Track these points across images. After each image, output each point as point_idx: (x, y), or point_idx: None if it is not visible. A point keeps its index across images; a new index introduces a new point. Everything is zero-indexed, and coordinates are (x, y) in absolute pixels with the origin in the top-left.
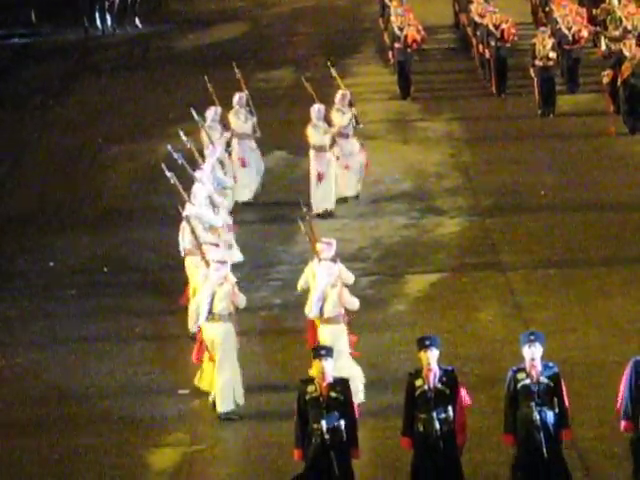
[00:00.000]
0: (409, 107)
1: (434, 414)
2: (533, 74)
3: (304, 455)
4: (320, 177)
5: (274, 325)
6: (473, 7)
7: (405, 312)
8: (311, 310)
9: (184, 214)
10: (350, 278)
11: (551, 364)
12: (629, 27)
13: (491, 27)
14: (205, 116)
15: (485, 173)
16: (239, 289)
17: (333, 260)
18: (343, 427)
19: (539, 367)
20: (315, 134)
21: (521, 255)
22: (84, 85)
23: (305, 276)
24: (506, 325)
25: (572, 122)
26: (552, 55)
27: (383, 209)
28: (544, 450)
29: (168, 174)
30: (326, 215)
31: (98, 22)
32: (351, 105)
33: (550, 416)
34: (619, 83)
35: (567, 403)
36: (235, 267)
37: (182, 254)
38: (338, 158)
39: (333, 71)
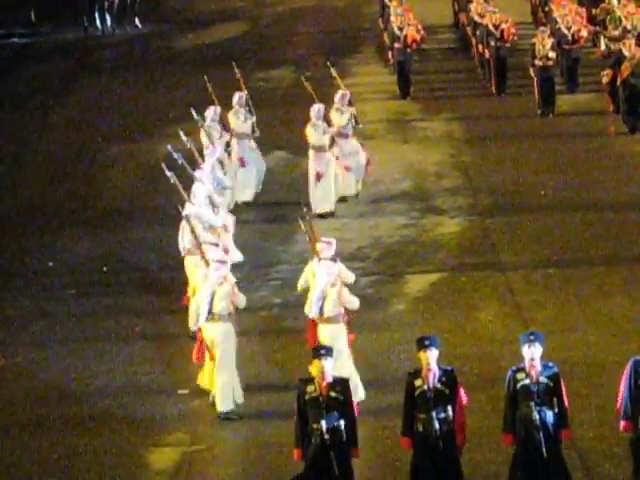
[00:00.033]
0: (409, 107)
1: (433, 414)
2: (533, 74)
3: (304, 455)
4: (319, 177)
5: (274, 325)
6: (473, 7)
7: (405, 312)
8: (311, 309)
9: (184, 213)
10: (350, 277)
11: (551, 364)
12: (628, 27)
13: (491, 27)
14: (205, 116)
15: (485, 173)
16: (239, 289)
17: (333, 259)
18: (343, 427)
19: (539, 367)
20: (314, 134)
21: (521, 255)
22: (84, 85)
23: (305, 275)
24: (506, 325)
25: (572, 122)
26: (552, 55)
27: (383, 209)
28: (544, 450)
29: (168, 174)
30: (326, 215)
31: (98, 22)
32: (351, 105)
33: (550, 416)
34: (619, 83)
35: (567, 403)
36: (235, 267)
37: (182, 254)
38: (337, 158)
39: (333, 71)
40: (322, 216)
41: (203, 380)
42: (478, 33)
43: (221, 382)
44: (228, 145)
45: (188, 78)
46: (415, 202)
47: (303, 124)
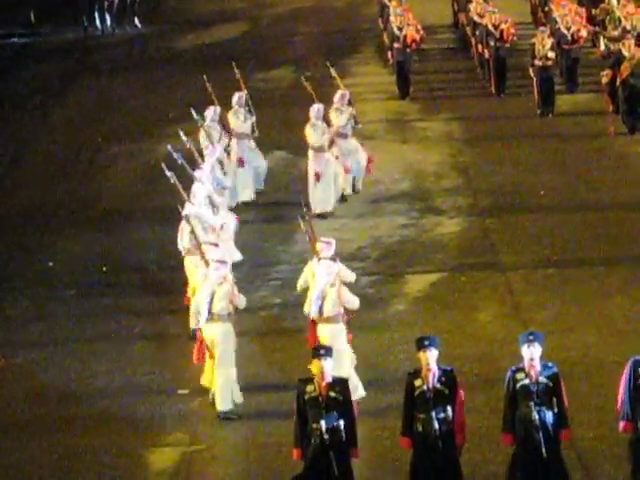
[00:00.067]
0: (408, 107)
1: (433, 414)
2: (532, 74)
3: (303, 455)
4: (317, 177)
5: (273, 325)
6: (472, 7)
7: (404, 312)
8: (310, 309)
9: (183, 213)
10: (351, 276)
11: (550, 364)
12: (628, 27)
13: (490, 27)
14: (204, 116)
15: (484, 173)
16: (238, 289)
17: (332, 259)
18: (342, 427)
19: (538, 367)
20: (313, 134)
21: (520, 255)
22: (83, 85)
23: (304, 275)
24: (505, 325)
25: (571, 122)
26: (551, 55)
27: (382, 209)
28: (543, 450)
29: (168, 173)
30: (325, 215)
31: (97, 22)
32: (350, 105)
33: (549, 416)
34: (618, 83)
35: (566, 403)
36: (235, 267)
37: (182, 254)
38: (337, 158)
39: (332, 71)
40: (321, 216)
41: (206, 379)
42: (478, 33)
43: (220, 382)
44: (228, 145)
45: (188, 78)
46: (415, 202)
47: (303, 124)
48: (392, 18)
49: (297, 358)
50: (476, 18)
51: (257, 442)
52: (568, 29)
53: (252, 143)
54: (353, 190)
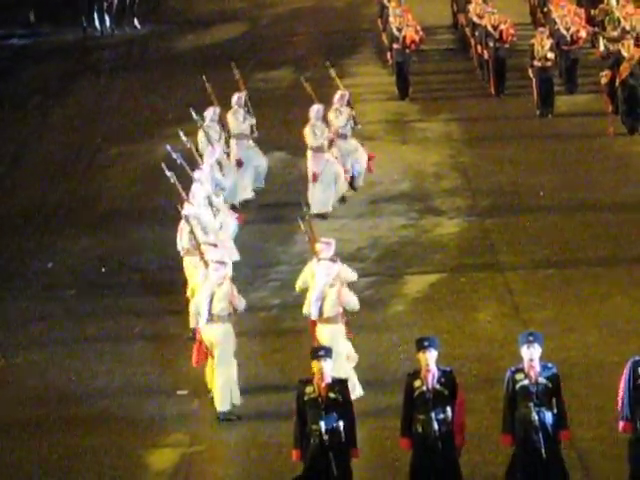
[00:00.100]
0: (407, 108)
1: (433, 415)
2: (531, 74)
3: (303, 456)
4: (315, 177)
5: (273, 325)
6: (472, 8)
7: (404, 312)
8: (309, 310)
9: (183, 213)
10: (352, 276)
11: (550, 365)
12: (627, 27)
13: (489, 28)
14: (204, 116)
15: (484, 173)
16: (238, 289)
17: (332, 260)
18: (342, 428)
19: (538, 368)
20: (312, 135)
21: (520, 255)
22: (83, 85)
23: (303, 276)
24: (504, 325)
25: (570, 123)
26: (550, 56)
27: (382, 209)
28: (543, 451)
29: (168, 173)
30: (325, 216)
31: (97, 23)
32: (350, 106)
33: (549, 417)
34: (617, 83)
35: (565, 403)
36: (234, 267)
37: (181, 254)
38: (336, 158)
39: (332, 72)
40: (320, 216)
41: (207, 379)
42: (477, 34)
43: (220, 382)
44: (227, 146)
45: (187, 79)
46: (414, 203)
47: (302, 125)
48: (391, 19)
49: (297, 359)
50: (475, 19)
51: (257, 443)
52: (567, 30)
53: (251, 143)
54: (352, 187)
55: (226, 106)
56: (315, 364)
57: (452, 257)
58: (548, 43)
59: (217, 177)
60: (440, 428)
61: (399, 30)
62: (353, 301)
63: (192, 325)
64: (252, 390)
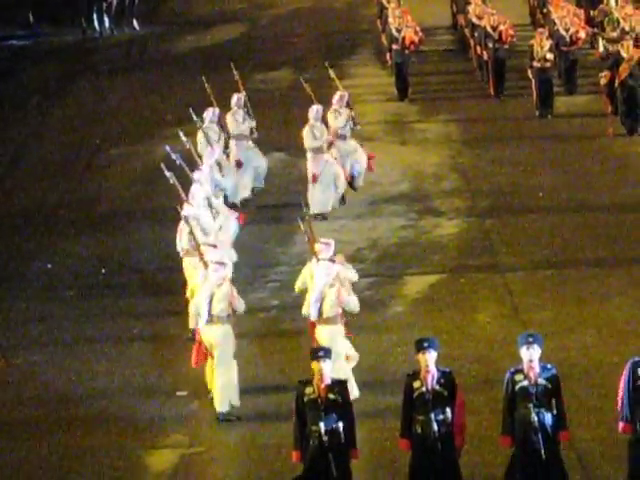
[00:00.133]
0: (407, 108)
1: (432, 416)
2: (531, 75)
3: (302, 457)
4: (314, 178)
5: (272, 326)
6: (471, 8)
7: (403, 313)
8: (309, 311)
9: (183, 214)
10: (353, 276)
11: (549, 366)
12: (626, 28)
13: (489, 28)
14: (203, 117)
15: (483, 174)
16: (237, 290)
17: (331, 260)
18: (341, 429)
19: (537, 369)
20: (310, 137)
21: (519, 256)
22: (82, 86)
23: (303, 276)
24: (504, 326)
25: (570, 123)
26: (549, 56)
27: (381, 210)
28: (542, 452)
29: (167, 174)
30: (325, 217)
31: (96, 23)
32: (349, 106)
33: (548, 418)
34: (617, 84)
35: (565, 404)
36: (233, 268)
37: (180, 255)
38: (335, 159)
39: (331, 72)
40: (319, 217)
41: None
42: (476, 35)
43: (220, 383)
44: (227, 147)
45: (187, 79)
46: (413, 204)
47: (302, 125)
48: (391, 20)
49: (296, 360)
50: (475, 20)
51: (256, 444)
52: (567, 30)
53: (251, 144)
54: (352, 187)
55: (226, 107)
56: (315, 365)
57: (451, 258)
58: (547, 44)
59: (217, 178)
60: (440, 429)
61: (398, 31)
62: (353, 302)
63: (191, 326)
64: (251, 391)
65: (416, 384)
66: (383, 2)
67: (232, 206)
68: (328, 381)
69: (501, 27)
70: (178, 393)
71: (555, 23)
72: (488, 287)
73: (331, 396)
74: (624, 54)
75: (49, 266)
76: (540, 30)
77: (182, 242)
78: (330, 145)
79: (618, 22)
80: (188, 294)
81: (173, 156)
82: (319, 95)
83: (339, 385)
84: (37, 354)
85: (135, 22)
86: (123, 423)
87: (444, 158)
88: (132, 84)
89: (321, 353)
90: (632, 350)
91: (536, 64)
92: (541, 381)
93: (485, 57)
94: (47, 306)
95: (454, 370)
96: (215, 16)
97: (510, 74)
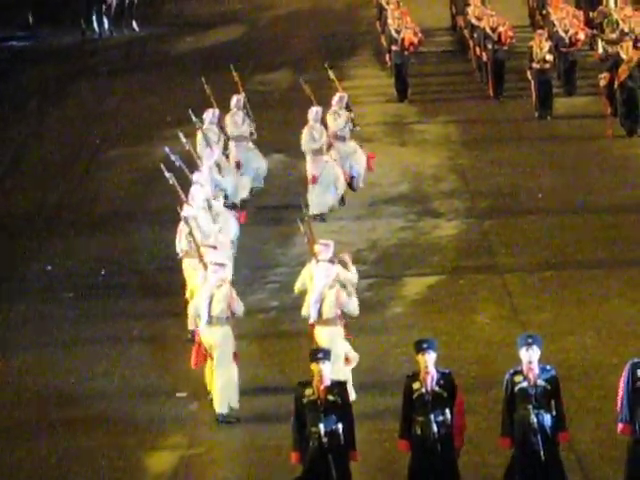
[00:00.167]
0: (406, 110)
1: (432, 417)
2: (530, 77)
3: (302, 458)
4: (314, 179)
5: (272, 327)
6: (470, 10)
7: (402, 314)
8: (308, 312)
9: (182, 215)
10: (352, 277)
11: (548, 367)
12: (626, 30)
13: (488, 30)
14: (203, 118)
15: (482, 175)
16: (237, 291)
17: (331, 261)
18: (341, 430)
19: (536, 370)
20: (310, 138)
21: (518, 257)
22: (82, 87)
23: (302, 278)
24: (503, 327)
25: (569, 125)
26: (549, 58)
27: (380, 211)
28: (541, 453)
29: (167, 174)
30: (324, 218)
31: (95, 25)
32: (348, 108)
33: (547, 419)
34: (616, 86)
35: (564, 405)
36: (233, 269)
37: (179, 256)
38: (335, 161)
39: (331, 74)
40: (318, 217)
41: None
42: (475, 36)
43: (219, 384)
44: (226, 148)
45: (186, 81)
46: (413, 205)
47: (301, 126)
48: (390, 21)
49: (296, 361)
50: (474, 21)
51: (256, 445)
52: (566, 32)
53: (250, 145)
54: (351, 188)
55: (225, 108)
56: (314, 366)
57: (451, 259)
58: (547, 45)
59: (216, 178)
60: (439, 430)
61: (398, 32)
62: (352, 305)
63: (191, 327)
64: (251, 392)
65: (415, 385)
66: (382, 3)
67: (232, 207)
68: (328, 382)
69: (500, 28)
70: (178, 394)
71: (554, 24)
72: (487, 288)
73: (331, 397)
74: (623, 55)
75: (48, 267)
76: (539, 31)
77: (181, 243)
78: (329, 146)
79: (617, 23)
80: (188, 295)
81: (172, 157)
82: (318, 96)
83: (339, 386)
84: (36, 355)
85: (134, 23)
86: (122, 424)
87: (443, 159)
88: (131, 85)
89: (320, 354)
90: (631, 351)
91: (535, 65)
92: (540, 382)
93: (484, 58)
94: (46, 307)
95: (453, 371)
96: (214, 17)
97: (509, 75)
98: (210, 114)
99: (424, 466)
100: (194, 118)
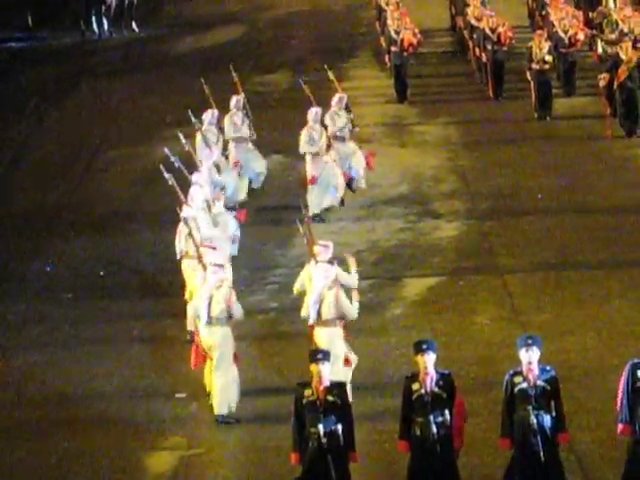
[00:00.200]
0: (406, 111)
1: (431, 418)
2: (529, 77)
3: (301, 459)
4: (313, 180)
5: (271, 329)
6: (470, 10)
7: (402, 315)
8: (307, 313)
9: (182, 216)
10: (352, 283)
11: (548, 367)
12: (625, 30)
13: (488, 30)
14: (202, 119)
15: (482, 176)
16: (236, 292)
17: (330, 262)
18: (340, 431)
19: (536, 371)
20: (309, 140)
21: (518, 258)
22: (81, 88)
23: (301, 279)
24: (503, 328)
25: (568, 125)
26: (548, 58)
27: (380, 212)
28: (541, 454)
29: (166, 175)
30: (324, 218)
31: (95, 26)
32: (348, 109)
33: (547, 420)
34: (615, 86)
35: (564, 406)
36: (233, 270)
37: (178, 256)
38: (335, 161)
39: (330, 74)
40: (315, 218)
41: (206, 382)
42: (475, 37)
43: (219, 385)
44: (225, 148)
45: (185, 81)
46: (412, 206)
47: (301, 127)
48: (389, 22)
49: (295, 362)
50: (473, 22)
51: (255, 446)
52: (565, 32)
53: (250, 145)
54: (350, 188)
55: (225, 109)
56: (313, 367)
57: (450, 260)
58: (546, 46)
59: (216, 177)
60: (438, 431)
61: (397, 33)
62: (352, 309)
63: (190, 328)
64: (250, 393)
65: (415, 386)
66: (382, 4)
67: (232, 208)
68: (327, 383)
69: (500, 29)
70: (177, 395)
71: (554, 25)
72: (487, 289)
73: (330, 398)
74: (623, 56)
75: (48, 268)
76: (539, 32)
77: (181, 244)
78: (329, 147)
79: (617, 24)
80: (187, 296)
81: (172, 158)
82: (318, 97)
83: (338, 387)
84: (36, 355)
85: (134, 24)
86: (122, 424)
87: (443, 160)
88: (131, 86)
89: (320, 355)
90: (631, 352)
91: (535, 66)
92: (540, 383)
93: (484, 59)
94: (46, 307)
95: (453, 372)
96: (214, 18)
97: (509, 76)
98: (209, 115)
99: (423, 467)
100: (193, 119)
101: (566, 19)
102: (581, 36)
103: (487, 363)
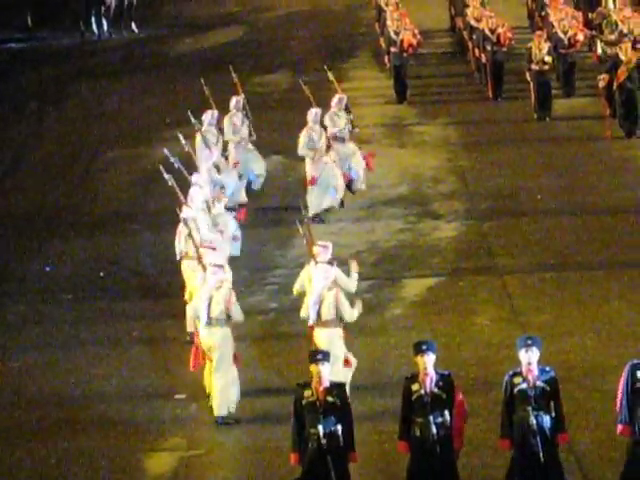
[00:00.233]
0: (405, 111)
1: (431, 418)
2: (529, 78)
3: (301, 459)
4: (313, 181)
5: (271, 329)
6: (469, 11)
7: (402, 316)
8: (307, 314)
9: (181, 216)
10: (351, 287)
11: (548, 368)
12: (625, 31)
13: (487, 31)
14: (202, 120)
15: (482, 177)
16: (236, 292)
17: (329, 263)
18: (340, 432)
19: (536, 371)
20: (307, 142)
21: (518, 259)
22: (81, 89)
23: (301, 279)
24: (503, 329)
25: (568, 126)
26: (548, 59)
27: (380, 213)
28: (541, 454)
29: (166, 176)
30: (323, 219)
31: (94, 27)
32: (347, 109)
33: (547, 420)
34: (615, 87)
35: (563, 407)
36: (232, 270)
37: (178, 257)
38: (334, 162)
39: (330, 75)
40: (315, 219)
41: (206, 383)
42: (474, 37)
43: (218, 386)
44: (225, 149)
45: (185, 82)
46: (412, 206)
47: (300, 128)
48: (389, 22)
49: (295, 362)
50: (473, 22)
51: (255, 447)
52: (565, 33)
53: (250, 146)
54: (350, 190)
55: (224, 110)
56: (313, 368)
57: (450, 261)
58: (546, 46)
59: (215, 177)
60: (438, 432)
61: (397, 33)
62: (350, 312)
63: (190, 329)
64: (250, 394)
65: (414, 387)
66: (381, 5)
67: (231, 208)
68: (327, 384)
69: (499, 30)
70: (176, 396)
71: (553, 26)
72: (487, 290)
73: (330, 399)
74: (622, 57)
75: (47, 269)
76: (538, 33)
77: (181, 245)
78: (328, 148)
79: (616, 25)
80: (187, 297)
81: (172, 159)
82: (318, 98)
83: (338, 388)
84: (35, 356)
85: (133, 25)
86: (121, 426)
87: (442, 161)
88: (131, 87)
89: (319, 356)
90: (631, 353)
91: (534, 67)
92: (540, 384)
93: (483, 60)
94: (45, 308)
95: (453, 373)
96: (214, 19)
97: (508, 77)
98: (209, 115)
99: (423, 467)
100: (193, 120)
101: (566, 20)
102: (581, 37)
103: (487, 364)
